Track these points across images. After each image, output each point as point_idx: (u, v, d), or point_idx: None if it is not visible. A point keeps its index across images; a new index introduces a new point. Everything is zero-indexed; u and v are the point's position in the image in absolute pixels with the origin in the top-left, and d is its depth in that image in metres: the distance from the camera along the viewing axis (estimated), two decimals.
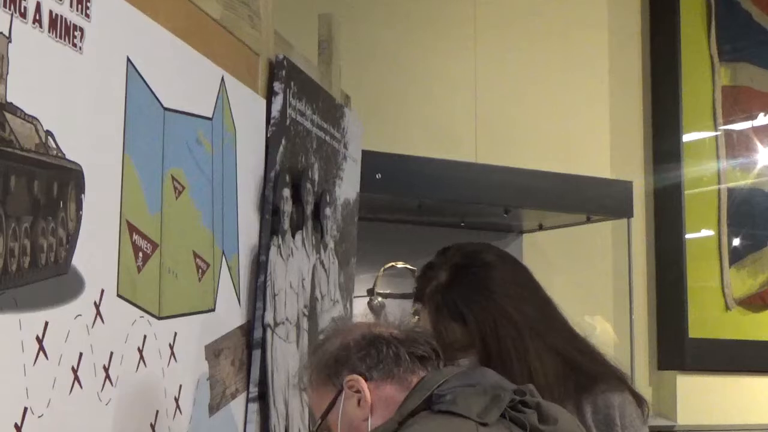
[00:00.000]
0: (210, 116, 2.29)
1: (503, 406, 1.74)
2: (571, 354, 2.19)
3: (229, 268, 2.36)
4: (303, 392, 2.04)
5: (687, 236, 5.05)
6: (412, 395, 1.79)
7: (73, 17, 1.72)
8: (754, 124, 5.34)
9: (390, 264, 3.43)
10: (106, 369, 1.83)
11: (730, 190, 5.22)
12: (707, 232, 5.18)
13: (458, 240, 4.33)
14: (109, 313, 1.83)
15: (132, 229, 1.92)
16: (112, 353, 1.85)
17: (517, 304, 2.17)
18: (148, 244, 1.99)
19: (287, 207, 2.60)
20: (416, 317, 2.64)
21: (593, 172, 4.64)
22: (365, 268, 3.43)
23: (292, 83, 2.63)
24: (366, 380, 1.82)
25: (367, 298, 3.91)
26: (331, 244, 2.95)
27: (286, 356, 2.55)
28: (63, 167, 1.71)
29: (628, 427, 2.16)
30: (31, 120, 1.62)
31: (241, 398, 2.42)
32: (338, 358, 1.85)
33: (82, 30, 1.75)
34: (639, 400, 2.22)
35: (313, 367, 1.89)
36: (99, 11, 1.79)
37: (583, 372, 2.17)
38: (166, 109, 2.08)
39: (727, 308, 5.18)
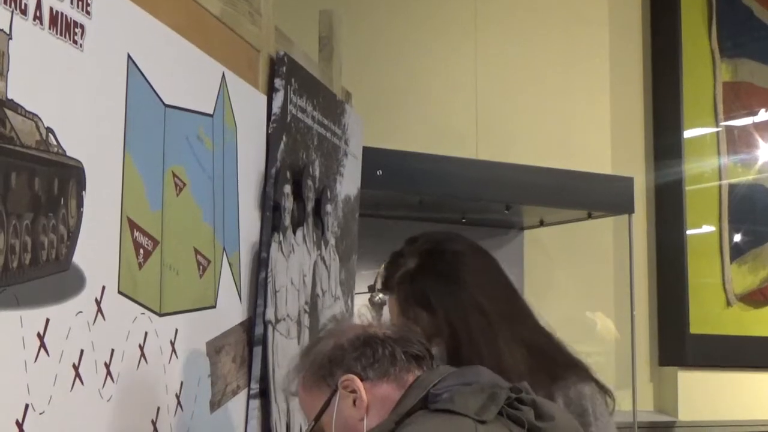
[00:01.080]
0: (211, 113, 2.28)
1: (500, 404, 1.74)
2: (539, 344, 2.17)
3: (230, 265, 2.36)
4: (293, 397, 2.03)
5: (688, 232, 5.05)
6: (408, 394, 1.79)
7: (74, 14, 1.72)
8: (755, 120, 5.34)
9: None
10: (107, 366, 1.83)
11: (731, 186, 5.22)
12: (708, 228, 5.19)
13: None
14: (110, 309, 1.83)
15: (133, 225, 1.92)
16: (113, 350, 1.85)
17: (486, 293, 2.15)
18: (149, 241, 1.99)
19: (288, 203, 2.60)
20: (373, 305, 2.62)
21: (594, 168, 4.64)
22: (366, 264, 3.42)
23: (292, 80, 2.63)
24: (361, 380, 1.82)
25: (368, 295, 3.91)
26: (332, 241, 2.95)
27: (287, 353, 2.55)
28: (64, 164, 1.71)
29: (599, 417, 2.16)
30: (32, 117, 1.62)
31: (242, 395, 2.42)
32: (332, 359, 1.85)
33: (82, 27, 1.75)
34: (604, 390, 2.22)
35: (305, 369, 1.89)
36: (99, 8, 1.79)
37: (554, 362, 2.16)
38: (166, 105, 2.08)
39: (728, 304, 5.18)
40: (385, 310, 2.67)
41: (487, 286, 2.18)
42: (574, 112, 4.93)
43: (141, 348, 1.96)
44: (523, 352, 2.14)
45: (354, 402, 1.81)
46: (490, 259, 2.26)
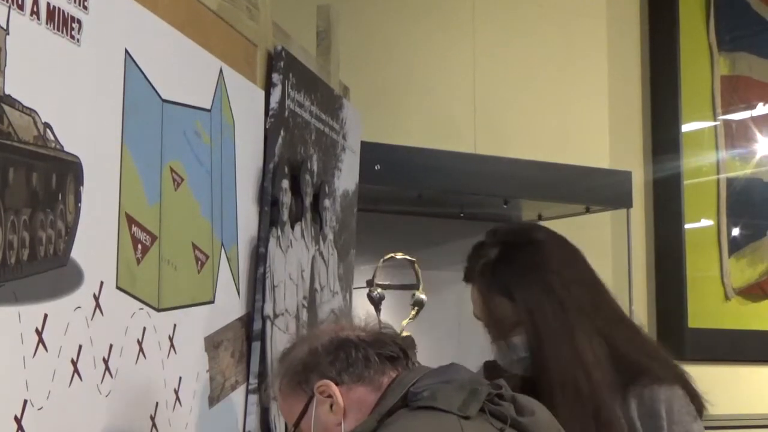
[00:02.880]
0: (208, 108, 2.28)
1: (482, 400, 1.75)
2: (618, 341, 2.15)
3: (229, 260, 2.36)
4: (273, 401, 2.04)
5: (686, 226, 5.05)
6: (387, 394, 1.79)
7: (71, 9, 1.72)
8: (753, 114, 5.34)
9: (389, 255, 3.42)
10: (105, 361, 1.83)
11: (730, 180, 5.22)
12: (706, 222, 5.18)
13: (457, 230, 4.34)
14: (108, 305, 1.83)
15: (131, 221, 1.92)
16: (111, 345, 1.85)
17: (564, 283, 2.16)
18: (147, 236, 1.99)
19: (286, 198, 2.60)
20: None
21: (592, 162, 4.63)
22: (364, 259, 3.42)
23: (290, 74, 2.63)
24: (337, 384, 1.82)
25: (367, 289, 3.90)
26: (331, 236, 2.95)
27: None
28: (61, 159, 1.70)
29: (677, 422, 2.12)
30: (30, 112, 1.62)
31: (241, 390, 2.42)
32: (307, 364, 1.86)
33: (80, 22, 1.74)
34: (692, 395, 2.18)
35: (282, 375, 1.89)
36: (97, 3, 1.79)
37: (630, 362, 2.13)
38: (164, 100, 2.07)
39: (727, 298, 5.18)
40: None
41: (568, 277, 2.17)
42: (572, 106, 4.93)
43: (139, 343, 1.96)
44: (604, 346, 2.12)
45: (331, 407, 1.82)
46: (572, 250, 2.27)
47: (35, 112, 1.63)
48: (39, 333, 1.63)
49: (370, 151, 3.41)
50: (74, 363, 1.73)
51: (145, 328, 1.98)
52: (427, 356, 2.12)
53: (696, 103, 5.16)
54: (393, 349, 1.87)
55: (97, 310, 1.80)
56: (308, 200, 2.75)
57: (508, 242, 2.24)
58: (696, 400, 2.18)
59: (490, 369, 2.19)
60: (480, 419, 1.73)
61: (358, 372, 1.83)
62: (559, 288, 2.15)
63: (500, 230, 2.30)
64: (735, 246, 5.21)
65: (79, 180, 1.75)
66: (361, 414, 1.80)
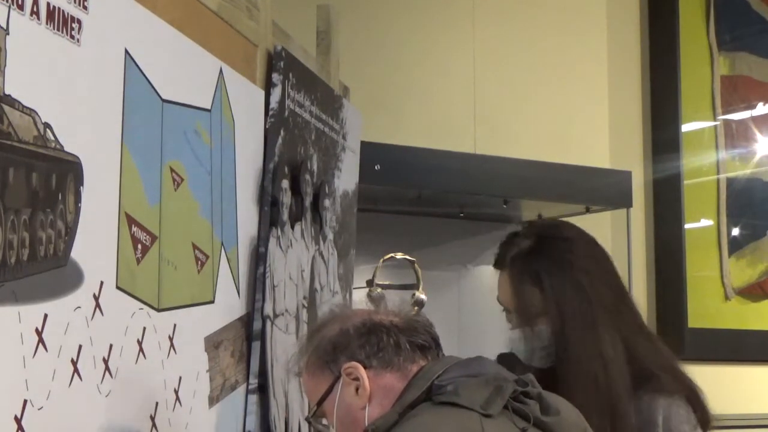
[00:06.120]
0: (208, 108, 2.28)
1: (506, 397, 1.72)
2: (634, 346, 2.21)
3: (228, 260, 2.36)
4: (297, 377, 2.03)
5: (686, 226, 5.04)
6: (411, 385, 1.77)
7: (71, 9, 1.72)
8: (753, 114, 5.33)
9: (389, 255, 3.42)
10: (105, 361, 1.83)
11: (730, 180, 5.22)
12: (706, 222, 5.18)
13: (457, 231, 4.34)
14: (108, 305, 1.83)
15: (131, 221, 1.92)
16: (111, 345, 1.85)
17: (592, 281, 2.23)
18: (147, 236, 1.99)
19: (286, 198, 2.60)
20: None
21: (592, 162, 4.63)
22: (364, 258, 3.42)
23: (290, 74, 2.63)
24: (365, 368, 1.80)
25: (367, 289, 3.90)
26: (330, 236, 2.95)
27: (286, 348, 2.55)
28: (61, 159, 1.70)
29: (674, 431, 2.15)
30: (29, 112, 1.62)
31: (240, 390, 2.42)
32: (337, 345, 1.84)
33: (80, 22, 1.74)
34: (699, 408, 2.21)
35: (310, 352, 1.88)
36: (97, 3, 1.79)
37: (641, 368, 2.18)
38: (164, 100, 2.08)
39: (727, 298, 5.18)
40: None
41: (597, 276, 2.25)
42: (571, 106, 4.93)
43: (139, 343, 1.96)
44: (622, 348, 2.18)
45: (356, 390, 1.80)
46: (600, 250, 2.34)
47: (35, 112, 1.63)
48: (39, 333, 1.63)
49: (370, 151, 3.41)
50: (74, 363, 1.73)
51: (145, 328, 1.98)
52: None
53: (696, 103, 5.16)
54: (425, 338, 1.85)
55: (97, 310, 1.80)
56: (308, 200, 2.75)
57: (543, 235, 2.32)
58: (702, 413, 2.20)
59: (505, 361, 2.22)
60: (502, 417, 1.70)
61: (387, 358, 1.81)
62: (588, 285, 2.22)
63: (536, 223, 2.46)
64: (735, 246, 5.21)
65: (79, 180, 1.75)
66: (387, 400, 1.77)
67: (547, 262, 2.24)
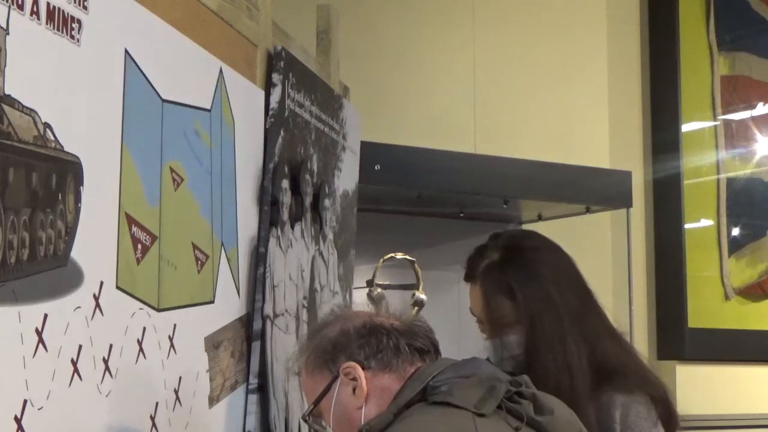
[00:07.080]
0: (208, 108, 2.28)
1: (500, 397, 1.74)
2: (601, 347, 2.26)
3: (228, 260, 2.36)
4: (296, 376, 2.04)
5: (686, 226, 5.05)
6: (406, 386, 1.79)
7: (71, 9, 1.72)
8: (753, 114, 5.34)
9: (389, 255, 3.41)
10: (105, 361, 1.83)
11: (729, 180, 5.22)
12: (706, 222, 5.18)
13: (457, 230, 4.34)
14: (108, 305, 1.83)
15: (131, 221, 1.92)
16: (111, 345, 1.85)
17: (560, 291, 2.27)
18: (147, 236, 1.99)
19: (286, 198, 2.60)
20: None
21: (592, 162, 4.64)
22: (364, 259, 3.42)
23: (290, 74, 2.63)
24: (363, 369, 1.81)
25: (367, 289, 3.90)
26: (330, 236, 2.95)
27: (286, 347, 2.55)
28: (61, 159, 1.70)
29: (632, 427, 2.18)
30: (29, 112, 1.62)
31: (240, 390, 2.42)
32: (336, 344, 1.85)
33: (80, 22, 1.74)
34: (660, 405, 2.23)
35: (309, 351, 1.89)
36: (97, 3, 1.79)
37: (607, 368, 2.23)
38: (164, 100, 2.08)
39: (727, 298, 5.18)
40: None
41: (561, 282, 2.29)
42: (572, 106, 4.93)
43: (139, 343, 1.96)
44: (588, 352, 2.23)
45: (354, 390, 1.82)
46: (565, 257, 2.38)
47: (35, 112, 1.63)
48: (39, 333, 1.63)
49: (370, 151, 3.41)
50: (74, 363, 1.73)
51: (145, 328, 1.98)
52: None
53: (696, 103, 5.16)
54: (424, 342, 1.87)
55: (97, 310, 1.80)
56: (308, 200, 2.75)
57: (510, 246, 2.34)
58: (665, 412, 2.23)
59: None
60: (496, 417, 1.72)
61: (386, 359, 1.83)
62: (557, 295, 2.26)
63: (502, 235, 2.42)
64: (735, 246, 5.21)
65: (79, 180, 1.75)
66: (383, 402, 1.79)
67: (517, 273, 2.28)
